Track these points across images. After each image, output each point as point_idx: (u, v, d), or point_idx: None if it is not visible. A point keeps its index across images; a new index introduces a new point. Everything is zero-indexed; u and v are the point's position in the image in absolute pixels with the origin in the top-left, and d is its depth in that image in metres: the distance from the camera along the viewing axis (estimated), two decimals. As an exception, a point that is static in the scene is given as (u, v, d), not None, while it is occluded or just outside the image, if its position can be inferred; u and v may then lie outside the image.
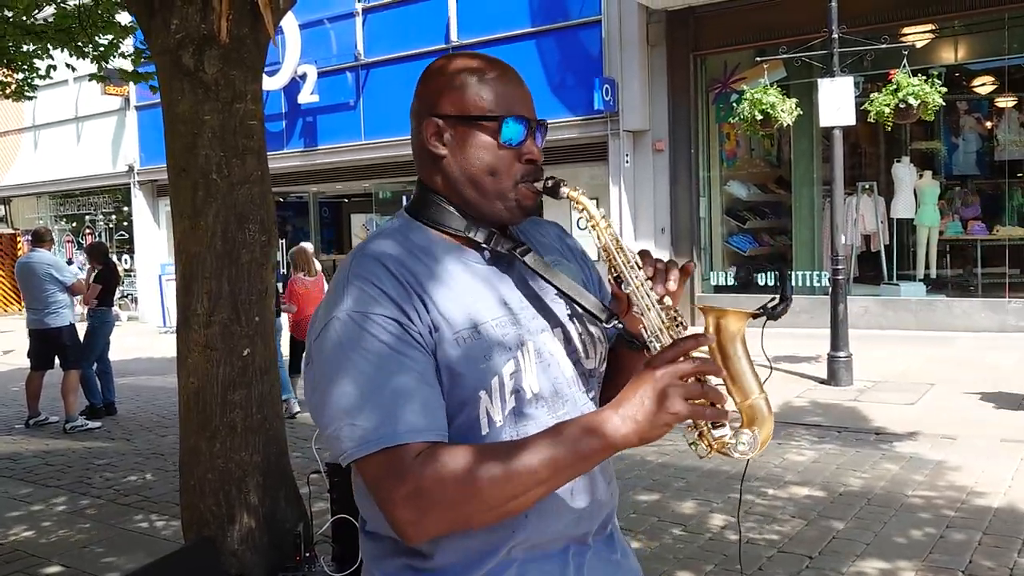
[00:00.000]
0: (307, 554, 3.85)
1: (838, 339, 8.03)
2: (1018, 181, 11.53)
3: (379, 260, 1.29)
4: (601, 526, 1.43)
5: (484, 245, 1.36)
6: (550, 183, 1.36)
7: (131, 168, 18.55)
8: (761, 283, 12.02)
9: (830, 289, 8.38)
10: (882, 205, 11.88)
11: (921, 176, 11.54)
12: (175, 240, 3.91)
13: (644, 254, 1.32)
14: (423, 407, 1.20)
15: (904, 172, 11.50)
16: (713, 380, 1.18)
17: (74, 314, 8.38)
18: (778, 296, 1.33)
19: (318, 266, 8.81)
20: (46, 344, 8.13)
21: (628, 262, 1.30)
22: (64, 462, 6.81)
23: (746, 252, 12.75)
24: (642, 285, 1.28)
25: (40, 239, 8.45)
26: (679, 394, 1.12)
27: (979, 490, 4.94)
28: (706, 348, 1.24)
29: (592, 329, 1.41)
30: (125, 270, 17.77)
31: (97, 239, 18.22)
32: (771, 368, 1.34)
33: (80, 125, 19.72)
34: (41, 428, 8.21)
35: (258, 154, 3.82)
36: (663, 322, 1.26)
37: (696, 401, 1.14)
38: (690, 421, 1.19)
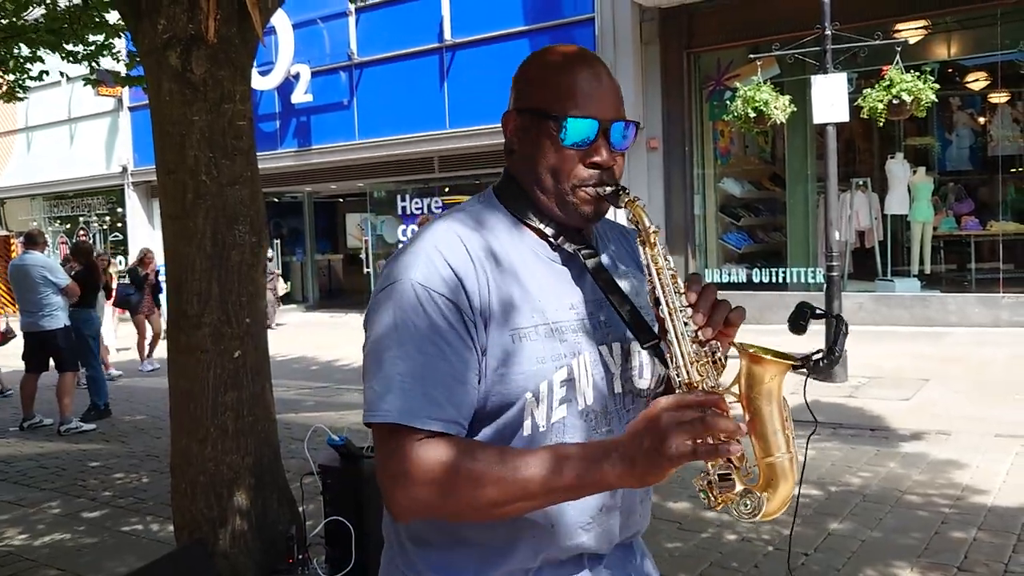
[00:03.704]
0: (300, 556, 3.83)
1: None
2: (1011, 176, 11.55)
3: (460, 236, 1.27)
4: (624, 540, 1.41)
5: (553, 240, 1.33)
6: (608, 190, 1.29)
7: (125, 169, 18.53)
8: (758, 280, 12.03)
9: (825, 285, 8.37)
10: (876, 201, 11.89)
11: (915, 172, 11.55)
12: (164, 241, 3.89)
13: (694, 279, 1.23)
14: (444, 398, 1.20)
15: (898, 168, 11.51)
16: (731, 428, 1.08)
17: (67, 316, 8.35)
18: (825, 348, 1.22)
19: None
20: (40, 346, 8.10)
21: (670, 286, 1.22)
22: (59, 465, 6.78)
23: (741, 249, 12.76)
24: (677, 311, 1.20)
25: (33, 241, 8.40)
26: (681, 437, 1.04)
27: (974, 486, 4.94)
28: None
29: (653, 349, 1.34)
30: (119, 271, 17.70)
31: (90, 240, 18.18)
32: (816, 422, 1.23)
33: (73, 126, 19.68)
34: (36, 431, 8.19)
35: (247, 154, 3.80)
36: (691, 355, 1.17)
37: (700, 446, 1.06)
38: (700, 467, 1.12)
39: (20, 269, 8.11)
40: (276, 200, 18.69)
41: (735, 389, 1.17)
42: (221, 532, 3.75)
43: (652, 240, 1.25)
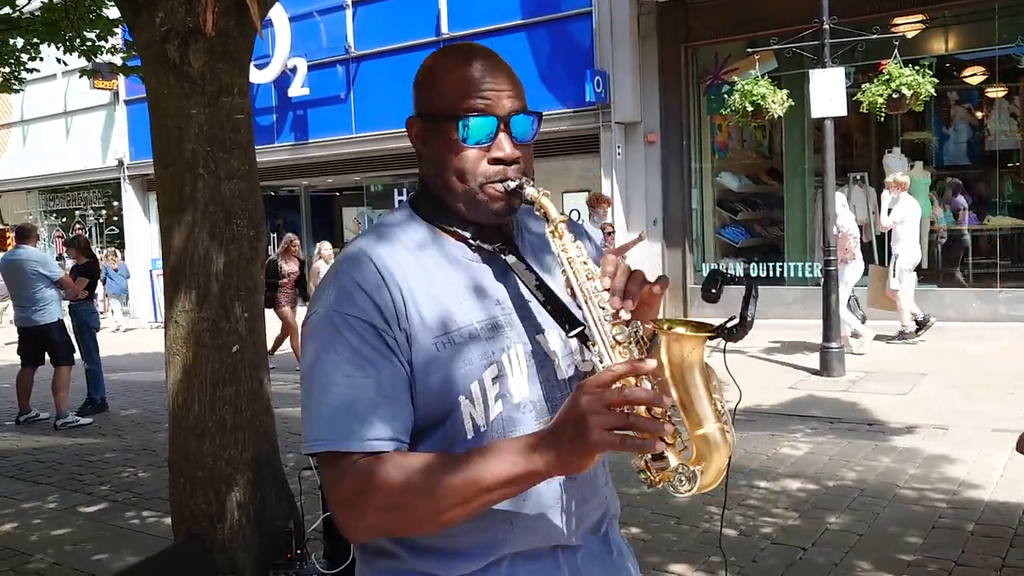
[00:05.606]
0: (298, 551, 3.82)
1: (830, 330, 8.03)
2: (1008, 171, 11.55)
3: (368, 256, 1.27)
4: (595, 527, 1.41)
5: (471, 242, 1.33)
6: (512, 184, 1.29)
7: (121, 162, 18.45)
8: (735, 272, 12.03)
9: (822, 280, 8.38)
10: (873, 196, 11.88)
11: (912, 166, 11.54)
12: (162, 235, 3.88)
13: (607, 261, 1.23)
14: (374, 417, 1.20)
15: (895, 163, 11.50)
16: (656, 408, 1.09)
17: (61, 309, 8.33)
18: (738, 315, 1.19)
19: None
20: (35, 341, 8.08)
21: (582, 273, 1.22)
22: (55, 459, 6.77)
23: (738, 243, 12.75)
24: (591, 297, 1.20)
25: (26, 235, 8.34)
26: (600, 424, 1.04)
27: (971, 481, 4.94)
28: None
29: None
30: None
31: (86, 234, 18.14)
32: (740, 391, 1.24)
33: (69, 119, 19.59)
34: (32, 425, 8.18)
35: (245, 148, 3.78)
36: (611, 339, 1.17)
37: (621, 432, 1.05)
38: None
39: (12, 264, 8.07)
40: (272, 194, 18.63)
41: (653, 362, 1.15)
42: (219, 527, 3.74)
43: (560, 231, 1.26)
